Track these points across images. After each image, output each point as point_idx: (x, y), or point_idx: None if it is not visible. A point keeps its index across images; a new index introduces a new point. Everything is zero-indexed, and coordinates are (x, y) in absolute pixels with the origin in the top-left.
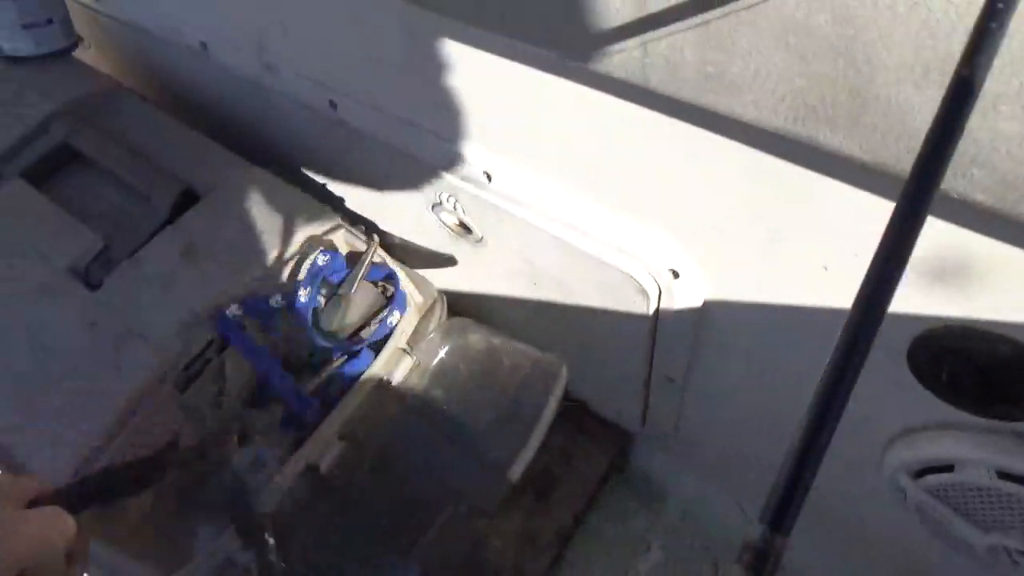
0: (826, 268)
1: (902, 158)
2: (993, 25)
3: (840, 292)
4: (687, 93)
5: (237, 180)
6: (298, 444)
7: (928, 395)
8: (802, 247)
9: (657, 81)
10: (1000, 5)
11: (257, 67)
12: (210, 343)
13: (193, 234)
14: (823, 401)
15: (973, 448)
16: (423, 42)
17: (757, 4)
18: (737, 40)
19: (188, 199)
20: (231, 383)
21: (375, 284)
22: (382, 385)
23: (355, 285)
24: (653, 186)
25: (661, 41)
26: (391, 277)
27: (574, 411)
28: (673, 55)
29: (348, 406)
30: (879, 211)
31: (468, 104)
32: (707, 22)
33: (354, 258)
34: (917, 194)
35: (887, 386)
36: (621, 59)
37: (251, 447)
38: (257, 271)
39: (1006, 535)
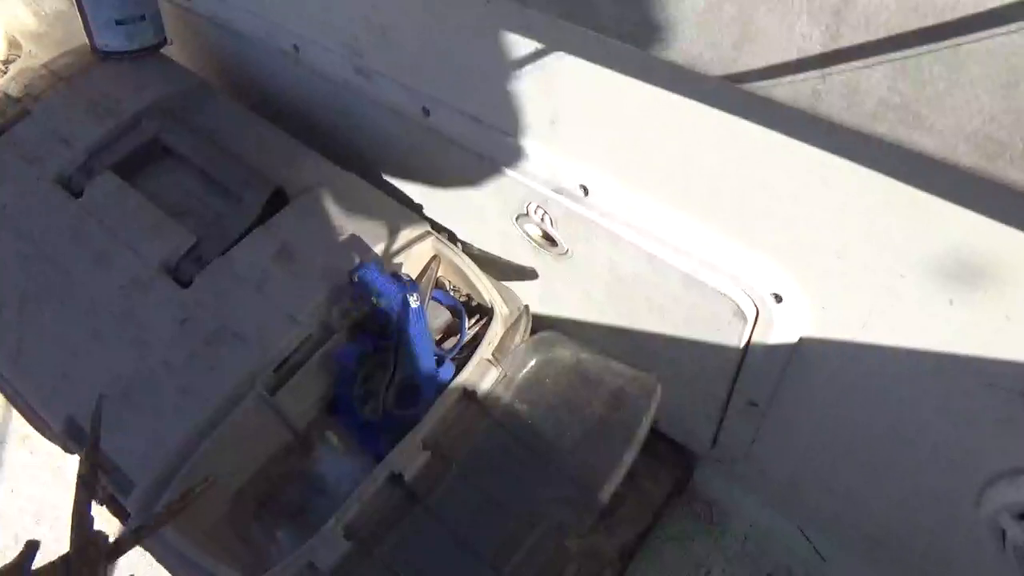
0: (951, 302)
1: None
2: None
3: (958, 326)
4: (861, 121)
5: (327, 183)
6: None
7: None
8: (931, 282)
9: (829, 108)
10: None
11: (350, 71)
12: (302, 344)
13: (286, 236)
14: None
15: None
16: (530, 51)
17: (972, 43)
18: (936, 72)
19: (277, 200)
20: (315, 387)
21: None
22: (467, 396)
23: (428, 297)
24: (769, 209)
25: (845, 72)
26: (457, 310)
27: None
28: (856, 84)
29: (433, 416)
30: None
31: (571, 116)
32: (906, 58)
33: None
34: None
35: (998, 424)
36: (795, 86)
37: (331, 453)
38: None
39: None
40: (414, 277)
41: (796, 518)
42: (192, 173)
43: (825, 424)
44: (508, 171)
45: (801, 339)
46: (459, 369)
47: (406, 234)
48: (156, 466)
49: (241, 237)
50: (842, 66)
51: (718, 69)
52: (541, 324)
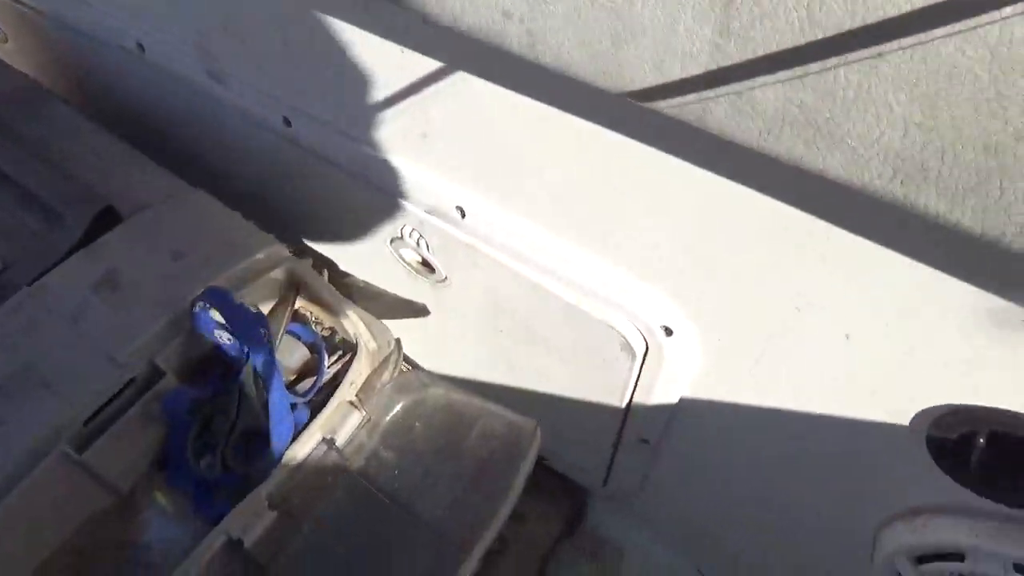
0: (848, 337)
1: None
2: None
3: (855, 362)
4: (754, 139)
5: (168, 201)
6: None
7: (944, 478)
8: (828, 314)
9: (717, 123)
10: None
11: (201, 74)
12: (123, 389)
13: (112, 262)
14: None
15: (991, 538)
16: (398, 57)
17: (887, 54)
18: (844, 76)
19: (109, 219)
20: (140, 440)
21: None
22: (324, 444)
23: (282, 331)
24: (657, 238)
25: (738, 85)
26: (316, 346)
27: None
28: (749, 96)
29: (281, 470)
30: (940, 283)
31: (444, 129)
32: (806, 76)
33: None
34: None
35: (895, 463)
36: (680, 97)
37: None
38: (187, 310)
39: None
40: (269, 308)
41: (692, 556)
42: (9, 188)
43: (719, 461)
44: (379, 190)
45: (692, 374)
46: (316, 413)
47: (259, 260)
48: None
49: (60, 261)
50: (735, 87)
51: (593, 74)
52: (415, 353)
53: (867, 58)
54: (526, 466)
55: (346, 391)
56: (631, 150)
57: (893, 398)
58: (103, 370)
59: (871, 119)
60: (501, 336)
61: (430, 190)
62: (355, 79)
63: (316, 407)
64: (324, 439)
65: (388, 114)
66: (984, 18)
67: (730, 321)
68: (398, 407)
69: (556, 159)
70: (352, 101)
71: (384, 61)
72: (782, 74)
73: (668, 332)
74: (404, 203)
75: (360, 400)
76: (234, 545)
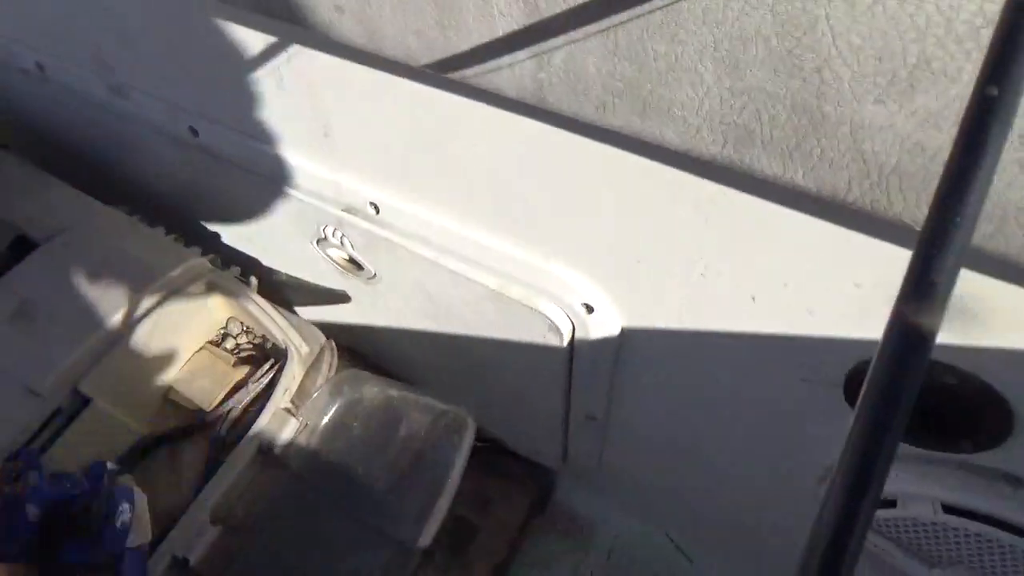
0: (753, 299)
1: (855, 185)
2: None
3: (765, 322)
4: (590, 113)
5: (83, 223)
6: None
7: None
8: (730, 277)
9: (555, 99)
10: None
11: (103, 90)
12: (44, 426)
13: (27, 291)
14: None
15: (917, 482)
16: (291, 59)
17: (672, 3)
18: (651, 47)
19: (22, 247)
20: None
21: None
22: (263, 453)
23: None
24: (560, 216)
25: (558, 52)
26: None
27: (489, 452)
28: (573, 67)
29: (220, 484)
30: (822, 235)
31: (343, 126)
32: (611, 28)
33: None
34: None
35: (824, 417)
36: (511, 74)
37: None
38: (107, 333)
39: (951, 570)
40: (195, 321)
41: (659, 523)
42: None
43: (664, 428)
44: (292, 191)
45: (621, 348)
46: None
47: (175, 276)
48: None
49: None
50: (549, 43)
51: (428, 57)
52: (360, 352)
53: (650, 11)
54: (461, 456)
55: (280, 398)
56: (512, 133)
57: (806, 355)
58: (25, 403)
59: (688, 88)
60: (439, 327)
61: (341, 188)
62: (251, 82)
63: (252, 416)
64: (262, 448)
65: (289, 114)
66: None
67: (644, 293)
68: (334, 409)
69: (454, 148)
70: (251, 105)
71: (276, 61)
72: (590, 29)
73: (589, 309)
74: (318, 203)
75: (295, 406)
76: (179, 563)
